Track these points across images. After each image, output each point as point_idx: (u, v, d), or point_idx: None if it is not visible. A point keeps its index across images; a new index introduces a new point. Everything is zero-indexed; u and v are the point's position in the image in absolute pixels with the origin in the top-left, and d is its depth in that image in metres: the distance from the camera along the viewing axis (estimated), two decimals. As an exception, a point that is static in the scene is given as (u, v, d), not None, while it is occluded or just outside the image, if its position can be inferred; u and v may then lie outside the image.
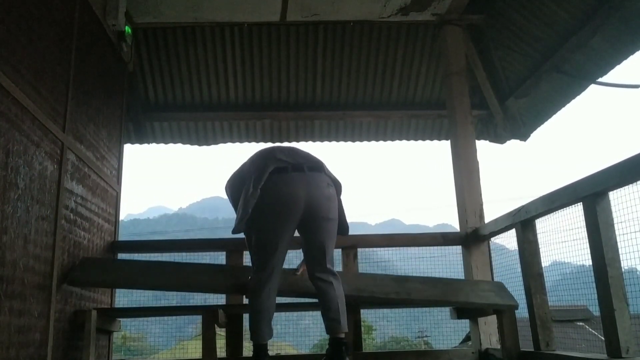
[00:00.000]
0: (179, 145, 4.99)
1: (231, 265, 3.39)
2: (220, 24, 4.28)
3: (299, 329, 6.16)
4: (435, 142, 5.19)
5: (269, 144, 5.00)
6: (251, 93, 4.79)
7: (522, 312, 2.87)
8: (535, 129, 4.67)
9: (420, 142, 5.23)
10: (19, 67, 2.29)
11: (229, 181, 2.71)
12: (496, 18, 4.17)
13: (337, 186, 2.54)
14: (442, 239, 3.76)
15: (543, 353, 2.64)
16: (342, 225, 2.57)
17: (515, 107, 4.59)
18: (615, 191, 2.17)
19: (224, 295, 3.47)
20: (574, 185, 2.34)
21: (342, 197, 2.59)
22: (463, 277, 3.71)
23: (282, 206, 2.35)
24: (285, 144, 2.68)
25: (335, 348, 2.38)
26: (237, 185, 2.57)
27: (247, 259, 3.54)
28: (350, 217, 2.65)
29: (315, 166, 2.47)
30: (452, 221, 4.48)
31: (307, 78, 4.75)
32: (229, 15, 4.16)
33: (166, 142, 4.95)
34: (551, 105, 4.33)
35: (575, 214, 2.43)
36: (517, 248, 2.92)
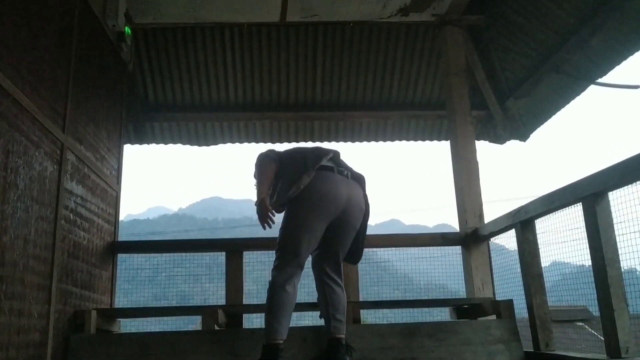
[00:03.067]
0: (179, 145, 4.99)
1: (227, 330, 3.03)
2: (220, 24, 4.28)
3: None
4: (435, 142, 5.20)
5: (269, 145, 5.04)
6: (251, 93, 4.79)
7: (521, 312, 2.87)
8: (534, 130, 4.68)
9: (420, 142, 5.24)
10: (18, 67, 2.29)
11: (275, 154, 2.56)
12: (496, 19, 4.17)
13: (367, 209, 2.53)
14: (441, 239, 3.76)
15: (543, 353, 2.64)
16: (358, 254, 2.59)
17: (515, 108, 4.59)
18: (614, 191, 2.17)
19: (223, 295, 3.48)
20: (574, 186, 2.34)
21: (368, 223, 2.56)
22: (463, 278, 3.71)
23: (326, 201, 2.33)
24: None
25: (335, 348, 2.38)
26: (286, 156, 2.51)
27: (247, 258, 3.55)
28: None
29: (356, 176, 2.50)
30: (451, 221, 4.48)
31: (307, 78, 4.76)
32: (229, 16, 4.16)
33: (166, 143, 4.95)
34: (551, 106, 4.33)
35: (574, 214, 2.43)
36: (516, 248, 2.91)
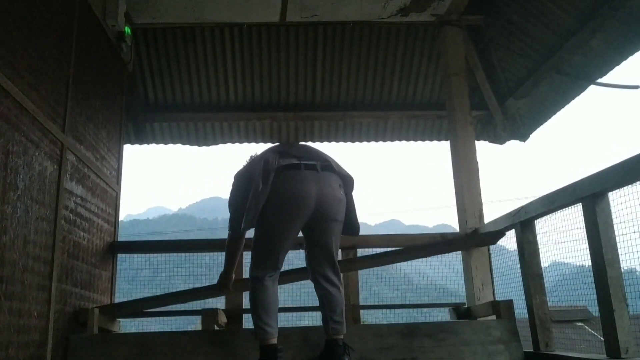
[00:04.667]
0: (179, 145, 4.99)
1: (227, 330, 3.16)
2: (220, 24, 4.28)
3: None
4: (435, 142, 5.20)
5: (269, 145, 5.03)
6: (251, 93, 4.79)
7: (521, 312, 2.87)
8: (534, 130, 4.68)
9: (420, 142, 5.24)
10: (18, 67, 2.29)
11: (237, 174, 2.60)
12: (496, 19, 4.17)
13: (348, 181, 2.44)
14: (441, 239, 3.76)
15: (542, 353, 2.64)
16: (353, 225, 2.48)
17: (515, 108, 4.59)
18: (614, 192, 2.17)
19: (223, 296, 3.47)
20: (574, 186, 2.34)
21: (353, 193, 2.47)
22: (463, 278, 3.71)
23: (293, 203, 2.27)
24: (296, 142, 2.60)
25: (333, 349, 2.35)
26: (243, 182, 2.47)
27: (246, 258, 3.53)
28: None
29: (327, 165, 2.39)
30: (451, 221, 4.47)
31: (306, 78, 4.76)
32: (229, 16, 4.16)
33: (166, 143, 4.95)
34: (551, 106, 4.33)
35: (574, 214, 2.43)
36: (516, 248, 2.92)
